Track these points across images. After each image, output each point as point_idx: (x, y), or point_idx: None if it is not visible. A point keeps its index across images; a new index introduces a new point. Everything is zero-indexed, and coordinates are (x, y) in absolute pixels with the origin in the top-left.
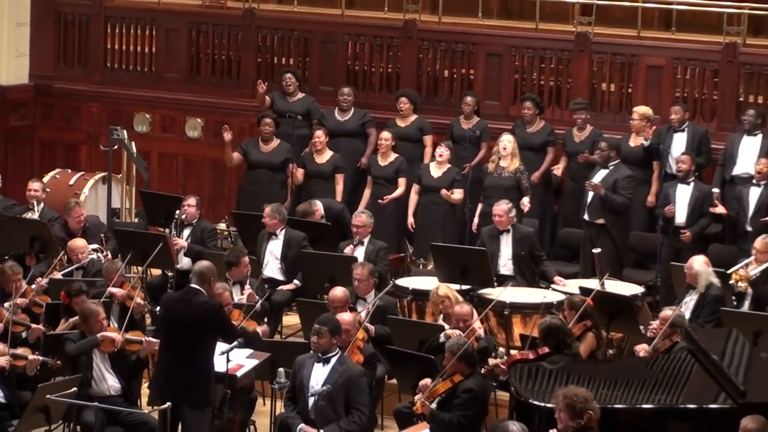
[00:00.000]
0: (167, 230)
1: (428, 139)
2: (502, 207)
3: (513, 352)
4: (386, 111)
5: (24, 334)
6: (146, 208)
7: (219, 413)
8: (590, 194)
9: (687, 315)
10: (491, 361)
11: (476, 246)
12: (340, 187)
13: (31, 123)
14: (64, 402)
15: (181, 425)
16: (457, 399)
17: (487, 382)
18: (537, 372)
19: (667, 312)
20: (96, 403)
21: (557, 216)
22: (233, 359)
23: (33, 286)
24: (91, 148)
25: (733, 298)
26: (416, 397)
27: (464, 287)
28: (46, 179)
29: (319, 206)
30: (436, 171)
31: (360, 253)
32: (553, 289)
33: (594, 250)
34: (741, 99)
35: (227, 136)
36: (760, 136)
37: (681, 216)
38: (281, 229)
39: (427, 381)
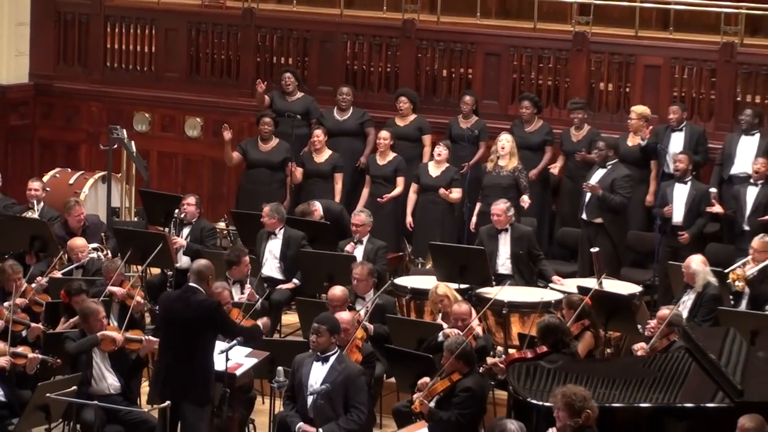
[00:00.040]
0: (167, 229)
1: (427, 139)
2: (500, 206)
3: (511, 351)
4: (385, 110)
5: (24, 333)
6: (146, 207)
7: (218, 412)
8: (588, 194)
9: (684, 314)
10: (489, 360)
11: (474, 245)
12: (339, 187)
13: (31, 122)
14: (63, 400)
15: (181, 423)
16: (456, 398)
17: (486, 381)
18: (535, 371)
19: (665, 311)
20: (96, 402)
21: (555, 215)
22: (232, 358)
23: (33, 285)
24: (90, 147)
25: (731, 297)
26: (415, 396)
27: (462, 286)
28: (46, 178)
29: (318, 207)
30: (434, 170)
31: (359, 252)
32: (551, 289)
33: (592, 250)
34: (738, 99)
35: (227, 135)
36: (757, 136)
37: (678, 215)
38: (280, 229)
39: (425, 380)
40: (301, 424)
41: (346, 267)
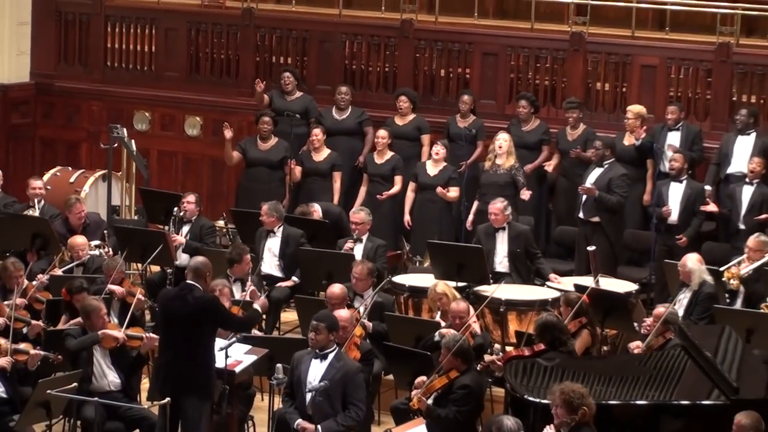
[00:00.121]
0: (166, 227)
1: (426, 138)
2: (497, 205)
3: (508, 348)
4: (383, 110)
5: (24, 330)
6: (146, 205)
7: (217, 409)
8: None
9: (680, 312)
10: (487, 358)
11: (472, 243)
12: (337, 185)
13: (32, 121)
14: (64, 397)
15: (182, 418)
16: (453, 395)
17: (483, 379)
18: (532, 368)
19: (661, 309)
20: (96, 399)
21: (551, 214)
22: (232, 355)
23: (34, 283)
24: (91, 146)
25: (726, 295)
26: (413, 393)
27: (460, 284)
28: (46, 177)
29: (317, 209)
30: (432, 169)
31: (359, 250)
32: (549, 287)
33: (589, 248)
34: (734, 98)
35: (228, 133)
36: (753, 136)
37: (673, 214)
38: (279, 227)
39: (422, 378)
40: (299, 420)
41: (345, 265)
